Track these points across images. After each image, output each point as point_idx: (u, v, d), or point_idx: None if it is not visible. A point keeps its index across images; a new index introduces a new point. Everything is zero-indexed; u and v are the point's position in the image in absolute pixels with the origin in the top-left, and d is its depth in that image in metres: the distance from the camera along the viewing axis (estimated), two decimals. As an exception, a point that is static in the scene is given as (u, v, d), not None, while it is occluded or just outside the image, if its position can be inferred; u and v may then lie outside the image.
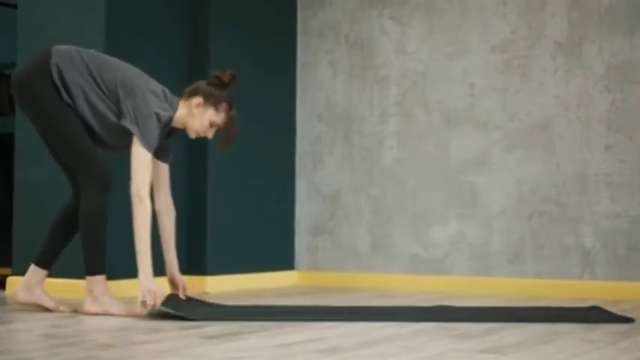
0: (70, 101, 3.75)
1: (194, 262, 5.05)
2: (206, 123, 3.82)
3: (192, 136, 3.87)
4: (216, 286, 5.05)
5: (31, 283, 3.88)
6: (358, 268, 5.46)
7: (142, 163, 3.70)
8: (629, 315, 3.83)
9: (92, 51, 3.86)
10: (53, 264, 3.93)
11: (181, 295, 3.92)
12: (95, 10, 4.64)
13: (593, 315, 3.72)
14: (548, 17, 5.01)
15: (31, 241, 4.75)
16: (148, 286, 3.62)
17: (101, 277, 3.75)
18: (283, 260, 5.59)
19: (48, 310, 3.85)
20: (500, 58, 5.12)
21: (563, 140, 4.93)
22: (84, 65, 3.76)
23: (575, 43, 4.93)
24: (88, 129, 3.81)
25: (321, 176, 5.62)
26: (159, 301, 3.61)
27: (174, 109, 3.82)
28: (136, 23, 4.79)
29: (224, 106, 3.84)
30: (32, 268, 3.90)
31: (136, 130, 3.70)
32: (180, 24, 5.06)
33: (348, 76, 5.57)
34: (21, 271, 4.76)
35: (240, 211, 5.26)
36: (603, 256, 4.79)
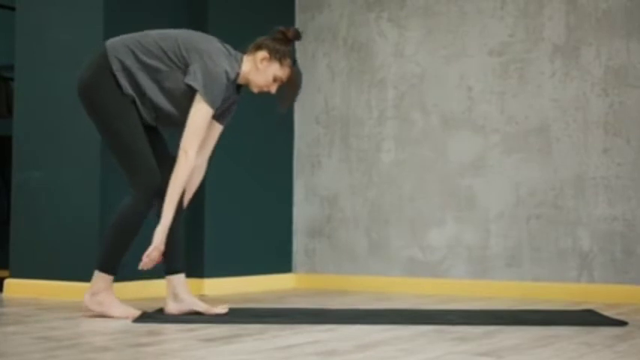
0: (133, 94, 3.69)
1: (192, 265, 5.04)
2: (270, 77, 3.80)
3: (256, 90, 3.84)
4: (214, 289, 5.05)
5: (175, 293, 3.76)
6: (355, 270, 5.46)
7: (200, 120, 3.65)
8: (626, 318, 3.84)
9: (141, 32, 3.79)
10: (180, 266, 3.80)
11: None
12: (93, 12, 4.64)
13: (587, 318, 3.72)
14: (546, 20, 5.02)
15: (29, 244, 4.75)
16: (159, 242, 3.61)
17: (108, 277, 3.73)
18: (281, 263, 5.59)
19: (198, 312, 3.73)
20: (497, 61, 5.13)
21: (560, 143, 4.93)
22: (141, 47, 3.71)
23: (572, 46, 4.94)
24: (157, 110, 3.73)
25: (319, 179, 5.62)
26: (157, 256, 3.61)
27: (239, 64, 3.79)
28: (134, 26, 4.77)
29: (288, 61, 3.81)
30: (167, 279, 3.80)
31: (200, 87, 3.63)
32: (178, 27, 5.06)
33: (346, 79, 5.57)
34: (18, 274, 4.76)
35: (237, 214, 5.26)
36: (600, 260, 4.79)
